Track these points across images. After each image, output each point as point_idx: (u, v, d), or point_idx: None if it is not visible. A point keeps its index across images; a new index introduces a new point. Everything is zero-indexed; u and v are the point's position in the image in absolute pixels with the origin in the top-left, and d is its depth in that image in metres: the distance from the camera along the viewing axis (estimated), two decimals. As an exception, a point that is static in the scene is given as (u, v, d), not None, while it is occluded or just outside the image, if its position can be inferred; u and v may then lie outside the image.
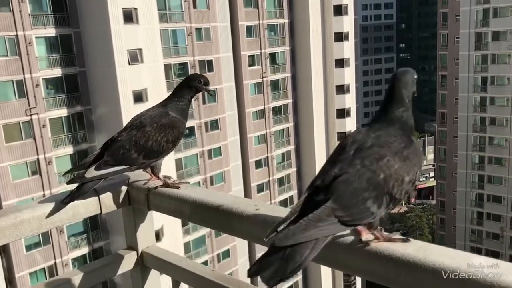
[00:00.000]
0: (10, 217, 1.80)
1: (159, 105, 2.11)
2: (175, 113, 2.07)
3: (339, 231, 1.29)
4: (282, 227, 1.25)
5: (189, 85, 2.09)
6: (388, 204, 1.33)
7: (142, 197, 2.03)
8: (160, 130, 2.01)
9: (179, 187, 1.97)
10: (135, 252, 2.18)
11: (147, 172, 2.11)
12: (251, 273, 1.22)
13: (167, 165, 27.91)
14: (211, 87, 2.11)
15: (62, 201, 1.89)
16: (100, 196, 2.01)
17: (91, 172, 1.91)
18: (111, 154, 1.96)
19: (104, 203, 2.02)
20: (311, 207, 1.26)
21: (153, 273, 2.22)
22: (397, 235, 1.38)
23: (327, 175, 1.33)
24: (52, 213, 1.89)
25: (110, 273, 2.16)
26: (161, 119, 2.03)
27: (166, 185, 2.00)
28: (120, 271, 2.16)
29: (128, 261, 2.16)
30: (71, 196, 1.90)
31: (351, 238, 1.38)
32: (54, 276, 2.06)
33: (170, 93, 2.13)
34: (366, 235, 1.37)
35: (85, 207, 1.97)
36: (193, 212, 1.86)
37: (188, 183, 2.03)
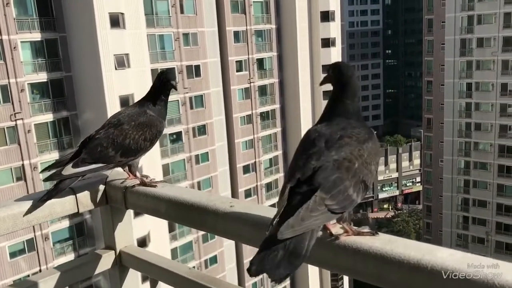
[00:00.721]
0: (-15, 216, 1.79)
1: (137, 104, 2.12)
2: (153, 111, 2.08)
3: (329, 219, 1.32)
4: (275, 221, 1.26)
5: (159, 83, 2.09)
6: (363, 191, 1.38)
7: (119, 195, 2.04)
8: (138, 128, 2.02)
9: (156, 185, 1.98)
10: (113, 251, 2.18)
11: (125, 170, 2.11)
12: (254, 272, 1.17)
13: (154, 170, 27.79)
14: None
15: (40, 199, 1.88)
16: (77, 194, 2.01)
17: (68, 170, 1.91)
18: (88, 152, 1.97)
19: (81, 202, 2.02)
20: (297, 200, 1.28)
21: (131, 272, 2.22)
22: (365, 229, 1.41)
23: (306, 167, 1.35)
24: (28, 211, 1.88)
25: (88, 272, 2.16)
26: (139, 118, 2.04)
27: (143, 183, 2.01)
28: (98, 271, 2.16)
29: (106, 261, 2.16)
30: (49, 194, 1.89)
31: (320, 232, 1.41)
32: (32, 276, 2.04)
33: (147, 92, 2.14)
34: (336, 229, 1.40)
35: (61, 206, 1.97)
36: (169, 210, 1.87)
37: (165, 181, 2.04)
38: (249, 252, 37.50)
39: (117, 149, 1.98)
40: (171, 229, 32.42)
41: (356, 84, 1.52)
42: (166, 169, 32.36)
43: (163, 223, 30.28)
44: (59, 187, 1.90)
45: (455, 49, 54.29)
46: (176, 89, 2.10)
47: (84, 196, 2.04)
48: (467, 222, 56.13)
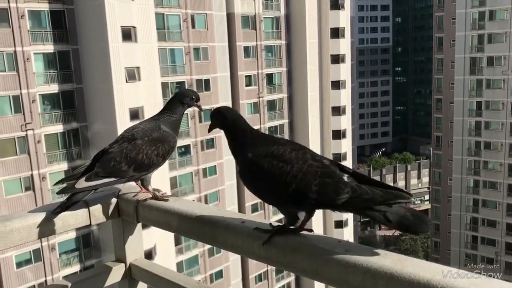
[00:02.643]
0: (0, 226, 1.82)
1: (151, 119, 2.14)
2: (167, 127, 2.10)
3: None
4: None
5: (182, 101, 2.13)
6: None
7: (131, 209, 2.06)
8: (151, 144, 2.04)
9: (168, 199, 2.00)
10: (123, 264, 2.19)
11: (137, 184, 2.13)
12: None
13: (162, 183, 27.84)
14: (205, 106, 2.18)
15: (53, 212, 1.91)
16: (90, 207, 2.03)
17: (81, 183, 1.93)
18: (101, 165, 1.99)
19: (93, 215, 2.05)
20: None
21: (141, 285, 2.23)
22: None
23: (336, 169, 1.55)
24: (42, 223, 1.90)
25: (98, 284, 2.17)
26: (152, 133, 2.06)
27: (155, 197, 2.03)
28: (108, 283, 2.17)
29: (116, 273, 2.17)
30: (62, 207, 1.91)
31: (329, 248, 1.42)
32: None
33: (163, 107, 2.17)
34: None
35: (74, 218, 2.00)
36: (180, 224, 1.89)
37: (177, 196, 2.06)
38: (255, 267, 37.25)
39: (130, 164, 2.00)
40: (177, 242, 32.34)
41: (240, 122, 1.66)
42: (173, 182, 32.39)
43: (170, 236, 30.24)
44: (72, 200, 1.92)
45: (465, 67, 54.21)
46: (201, 110, 2.17)
47: (97, 209, 2.06)
48: (476, 241, 55.47)
